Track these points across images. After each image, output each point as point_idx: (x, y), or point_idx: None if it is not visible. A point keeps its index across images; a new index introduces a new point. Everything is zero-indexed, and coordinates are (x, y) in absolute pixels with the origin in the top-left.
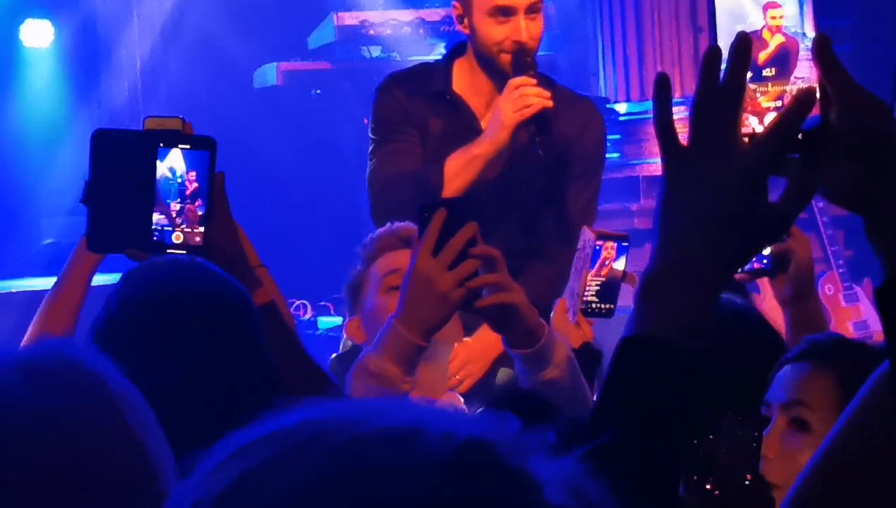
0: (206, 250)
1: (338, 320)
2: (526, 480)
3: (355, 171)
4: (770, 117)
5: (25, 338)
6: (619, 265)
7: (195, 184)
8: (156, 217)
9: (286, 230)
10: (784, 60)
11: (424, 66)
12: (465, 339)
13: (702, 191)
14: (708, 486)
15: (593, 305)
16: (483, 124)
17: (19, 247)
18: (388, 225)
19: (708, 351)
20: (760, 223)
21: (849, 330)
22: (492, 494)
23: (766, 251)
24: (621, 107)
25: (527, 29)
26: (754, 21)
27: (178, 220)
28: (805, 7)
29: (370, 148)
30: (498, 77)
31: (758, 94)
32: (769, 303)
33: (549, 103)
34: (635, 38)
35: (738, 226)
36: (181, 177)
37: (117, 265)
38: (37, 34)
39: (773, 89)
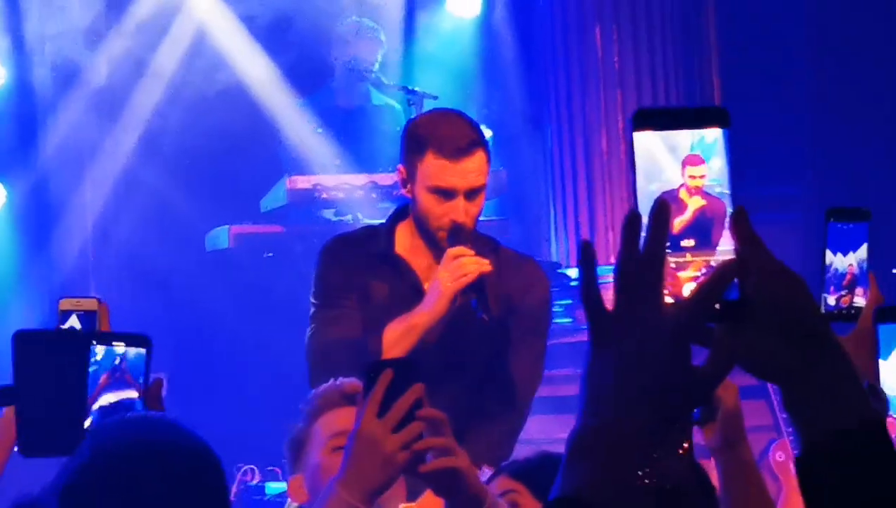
0: None
1: (285, 485)
2: None
3: (304, 334)
4: (689, 289)
5: None
6: None
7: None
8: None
9: (236, 392)
10: (705, 229)
11: (367, 229)
12: (410, 505)
13: (624, 356)
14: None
15: None
16: (425, 284)
17: None
18: (333, 380)
19: None
20: (683, 389)
21: (800, 499)
22: None
23: None
24: (573, 272)
25: (465, 209)
26: (671, 178)
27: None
28: (734, 164)
29: (310, 312)
30: (434, 246)
31: (673, 265)
32: None
33: (488, 268)
34: (586, 204)
35: (660, 391)
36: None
37: None
38: None
39: (693, 260)
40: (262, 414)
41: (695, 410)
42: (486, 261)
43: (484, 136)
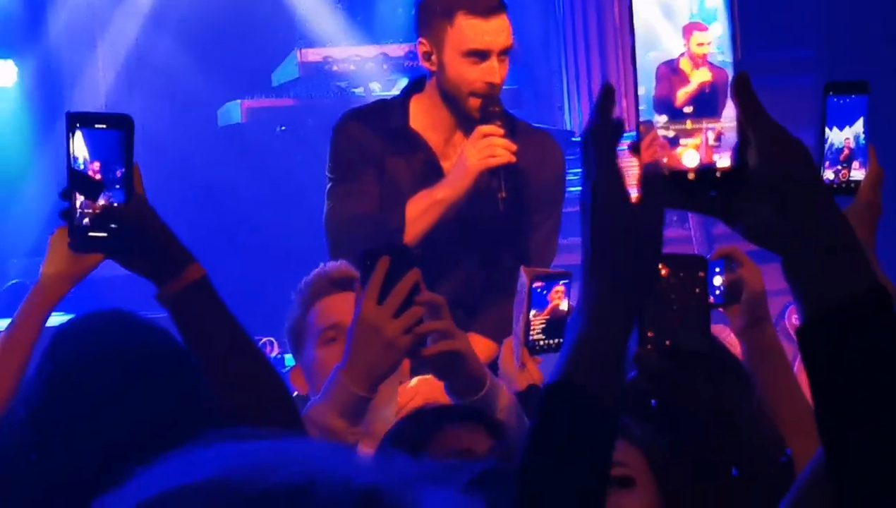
0: (126, 231)
1: None
2: None
3: (319, 207)
4: (689, 156)
5: None
6: (565, 305)
7: (98, 177)
8: (78, 201)
9: (251, 267)
10: (710, 101)
11: (382, 103)
12: (407, 384)
13: (593, 209)
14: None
15: (541, 342)
16: (442, 161)
17: None
18: (321, 266)
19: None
20: (641, 241)
21: None
22: None
23: (718, 282)
24: None
25: (499, 71)
26: (669, 47)
27: (95, 206)
28: (736, 29)
29: (327, 187)
30: (461, 117)
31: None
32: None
33: (514, 159)
34: (599, 71)
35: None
36: (83, 164)
37: (72, 307)
38: (1, 74)
39: (694, 128)
40: (278, 287)
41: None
42: (514, 147)
43: None
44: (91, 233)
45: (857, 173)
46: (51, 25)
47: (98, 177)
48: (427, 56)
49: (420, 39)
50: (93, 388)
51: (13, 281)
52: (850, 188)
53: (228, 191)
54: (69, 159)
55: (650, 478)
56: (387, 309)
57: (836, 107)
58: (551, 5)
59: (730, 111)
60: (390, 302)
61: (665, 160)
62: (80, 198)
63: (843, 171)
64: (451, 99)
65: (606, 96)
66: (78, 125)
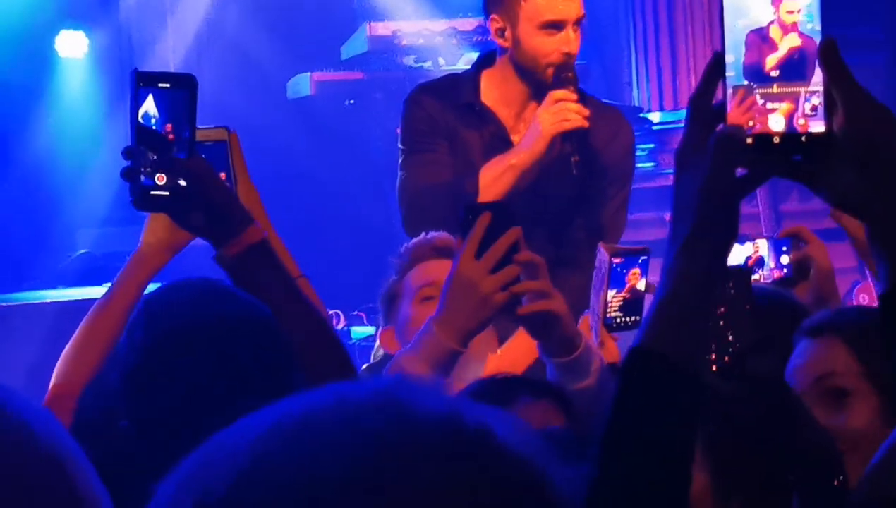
0: (190, 190)
1: (371, 330)
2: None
3: (388, 181)
4: (775, 120)
5: (70, 343)
6: (641, 285)
7: (171, 137)
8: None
9: (319, 240)
10: (799, 67)
11: (452, 77)
12: (510, 345)
13: (685, 179)
14: (716, 357)
15: (618, 320)
16: (513, 135)
17: (53, 257)
18: (423, 235)
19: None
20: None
21: None
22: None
23: (786, 261)
24: (655, 117)
25: (575, 40)
26: (758, 16)
27: (160, 163)
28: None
29: (400, 159)
30: (536, 88)
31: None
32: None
33: (586, 123)
34: (668, 47)
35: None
36: (154, 124)
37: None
38: (72, 45)
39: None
40: (346, 261)
41: (788, 270)
42: (587, 112)
43: None
44: (153, 193)
45: None
46: (121, 1)
47: (171, 136)
48: (500, 32)
49: (492, 16)
50: (186, 358)
51: (82, 251)
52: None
53: (298, 163)
54: (135, 117)
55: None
56: (484, 265)
57: None
58: None
59: (818, 78)
60: (488, 258)
61: (751, 123)
62: (143, 157)
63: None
64: (527, 72)
65: (716, 65)
66: (143, 84)
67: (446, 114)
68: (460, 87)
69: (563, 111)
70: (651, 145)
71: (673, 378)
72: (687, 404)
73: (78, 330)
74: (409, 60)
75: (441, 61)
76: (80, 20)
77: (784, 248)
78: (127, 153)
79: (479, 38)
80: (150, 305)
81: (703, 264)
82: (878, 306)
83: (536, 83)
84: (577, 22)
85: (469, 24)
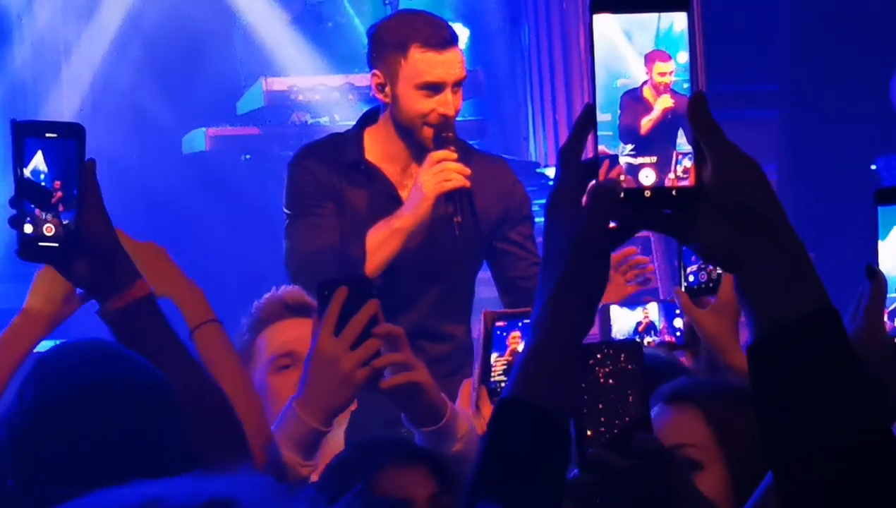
0: (78, 242)
1: None
2: None
3: (283, 234)
4: (645, 174)
5: None
6: (522, 345)
7: (59, 194)
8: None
9: (214, 294)
10: (673, 128)
11: (336, 137)
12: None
13: (551, 239)
14: (605, 431)
15: (502, 384)
16: (401, 191)
17: None
18: (273, 290)
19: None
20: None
21: None
22: None
23: (679, 324)
24: (551, 172)
25: (453, 102)
26: (635, 75)
27: (49, 215)
28: (698, 59)
29: (286, 224)
30: (416, 147)
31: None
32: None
33: (468, 183)
34: (565, 103)
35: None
36: (44, 182)
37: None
38: None
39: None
40: (239, 315)
41: (681, 335)
42: (468, 171)
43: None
44: (42, 243)
45: (719, 271)
46: (15, 51)
47: (57, 189)
48: (381, 88)
49: (374, 71)
50: (75, 422)
51: None
52: (710, 288)
53: (193, 219)
54: (17, 167)
55: (720, 458)
56: (344, 342)
57: None
58: (517, 36)
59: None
60: (347, 334)
61: (622, 179)
62: (31, 208)
63: (703, 270)
64: (406, 130)
65: (586, 117)
66: (29, 135)
67: (331, 175)
68: (344, 147)
69: (444, 171)
70: (545, 200)
71: (539, 427)
72: (553, 453)
73: None
74: (305, 116)
75: (337, 117)
76: None
77: (677, 311)
78: (12, 203)
79: (376, 95)
80: (42, 365)
81: (573, 313)
82: (747, 359)
83: (416, 141)
84: (458, 83)
85: (366, 79)
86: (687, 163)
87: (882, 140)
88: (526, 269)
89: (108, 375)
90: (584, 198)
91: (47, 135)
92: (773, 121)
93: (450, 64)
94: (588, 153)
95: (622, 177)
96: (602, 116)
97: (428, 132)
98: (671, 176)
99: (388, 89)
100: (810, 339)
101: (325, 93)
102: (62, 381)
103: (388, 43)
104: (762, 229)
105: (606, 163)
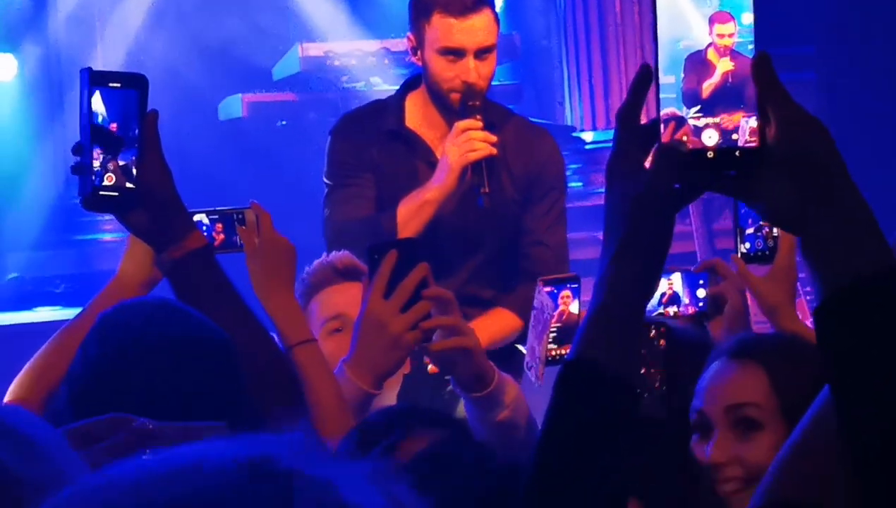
0: (138, 192)
1: None
2: (319, 481)
3: (321, 202)
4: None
5: (33, 360)
6: (574, 308)
7: (117, 136)
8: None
9: None
10: (737, 92)
11: (377, 104)
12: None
13: (616, 195)
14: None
15: (552, 353)
16: (440, 157)
17: None
18: (325, 256)
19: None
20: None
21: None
22: (282, 494)
23: (702, 294)
24: (587, 136)
25: (476, 69)
26: (698, 36)
27: (110, 164)
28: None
29: (325, 193)
30: (448, 113)
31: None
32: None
33: (494, 151)
34: (601, 67)
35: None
36: (103, 122)
37: None
38: (1, 68)
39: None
40: None
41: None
42: (494, 138)
43: None
44: (102, 193)
45: (772, 240)
46: (51, 19)
47: (119, 136)
48: (414, 51)
49: (408, 35)
50: (136, 375)
51: (12, 275)
52: (766, 255)
53: (230, 185)
54: (87, 115)
55: (780, 419)
56: (393, 304)
57: None
58: (553, 1)
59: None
60: (397, 297)
61: (686, 139)
62: (93, 155)
63: (764, 234)
64: (437, 95)
65: (642, 78)
66: (94, 83)
67: (371, 144)
68: (385, 114)
69: (469, 141)
70: (580, 165)
71: (604, 384)
72: (618, 408)
73: (43, 348)
74: (341, 81)
75: (374, 81)
76: (8, 43)
77: (701, 282)
78: (77, 149)
79: (412, 59)
80: (105, 322)
81: (636, 273)
82: (813, 321)
83: (446, 107)
84: (482, 51)
85: (401, 44)
86: (752, 123)
87: None
88: (526, 247)
89: (169, 332)
90: (649, 161)
91: (111, 84)
92: (811, 83)
93: (471, 30)
94: (650, 114)
95: (685, 138)
96: (665, 78)
97: (455, 98)
98: (735, 136)
99: (419, 53)
100: (877, 299)
101: (361, 58)
102: (124, 338)
103: (419, 7)
104: (826, 190)
105: (672, 125)
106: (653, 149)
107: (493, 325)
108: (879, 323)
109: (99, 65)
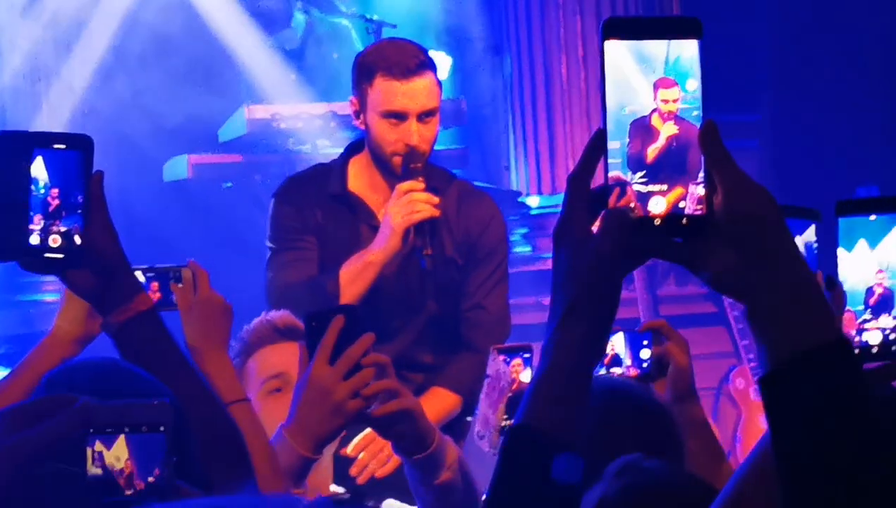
0: (84, 254)
1: None
2: None
3: (265, 266)
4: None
5: None
6: (526, 377)
7: (57, 201)
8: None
9: None
10: (681, 157)
11: (321, 168)
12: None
13: (560, 261)
14: None
15: (506, 423)
16: (382, 221)
17: None
18: (263, 314)
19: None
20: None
21: (759, 424)
22: None
23: (646, 355)
24: (533, 201)
25: (418, 132)
26: (644, 102)
27: (53, 227)
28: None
29: (267, 256)
30: (391, 176)
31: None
32: None
33: (437, 212)
34: (547, 133)
35: (579, 298)
36: (44, 189)
37: None
38: None
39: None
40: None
41: (648, 365)
42: (437, 200)
43: (432, 60)
44: (48, 255)
45: None
46: None
47: (55, 200)
48: (357, 115)
49: (351, 98)
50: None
51: None
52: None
53: (174, 245)
54: (22, 177)
55: None
56: (337, 371)
57: None
58: (499, 65)
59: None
60: (341, 365)
61: (632, 207)
62: (35, 220)
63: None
64: (379, 159)
65: (596, 144)
66: (35, 146)
67: (314, 208)
68: (328, 177)
69: (411, 203)
70: (528, 229)
71: (549, 450)
72: (565, 479)
73: None
74: (288, 143)
75: (320, 144)
76: None
77: (644, 342)
78: (15, 213)
79: (355, 122)
80: (51, 382)
81: (583, 336)
82: (759, 389)
83: (389, 171)
84: (424, 114)
85: (348, 107)
86: (699, 190)
87: (862, 170)
88: (466, 311)
89: (115, 392)
90: (596, 225)
91: (55, 146)
92: (755, 151)
93: (413, 93)
94: (597, 180)
95: (632, 205)
96: (611, 144)
97: (397, 162)
98: (682, 204)
99: (362, 116)
100: (822, 370)
101: (307, 120)
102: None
103: (362, 70)
104: (772, 259)
105: (617, 190)
106: (600, 215)
107: (432, 407)
108: (825, 394)
109: (44, 123)
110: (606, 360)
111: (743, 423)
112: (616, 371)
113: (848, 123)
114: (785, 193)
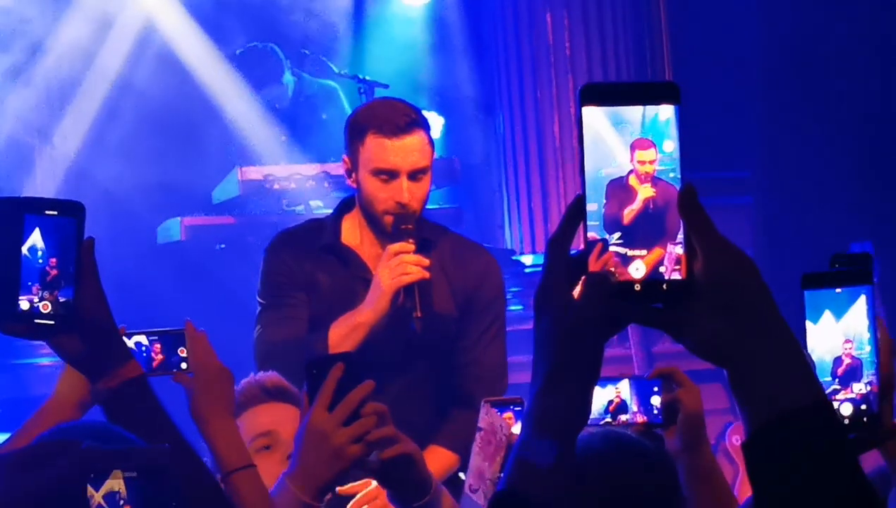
0: (76, 321)
1: None
2: None
3: (254, 320)
4: (636, 267)
5: None
6: (517, 430)
7: (55, 272)
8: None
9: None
10: (658, 218)
11: (313, 222)
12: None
13: (541, 329)
14: None
15: (499, 476)
16: (374, 274)
17: None
18: (251, 375)
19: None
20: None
21: None
22: None
23: (656, 402)
24: (527, 259)
25: (409, 190)
26: (621, 163)
27: (45, 293)
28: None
29: (257, 311)
30: (382, 235)
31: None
32: None
33: (427, 275)
34: (540, 191)
35: (562, 367)
36: (41, 259)
37: None
38: None
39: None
40: None
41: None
42: (427, 262)
43: (424, 118)
44: (38, 321)
45: None
46: None
47: (54, 270)
48: (349, 173)
49: (344, 157)
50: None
51: None
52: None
53: (168, 308)
54: (15, 244)
55: None
56: (337, 417)
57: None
58: (492, 124)
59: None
60: (340, 411)
61: (613, 271)
62: (34, 290)
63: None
64: (370, 217)
65: (575, 209)
66: (28, 211)
67: (305, 262)
68: (321, 231)
69: (401, 265)
70: (520, 288)
71: None
72: None
73: None
74: (281, 204)
75: (313, 204)
76: None
77: (655, 389)
78: (7, 279)
79: (347, 181)
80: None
81: (564, 402)
82: (742, 454)
83: (380, 229)
84: (415, 172)
85: (340, 167)
86: (677, 250)
87: (855, 226)
88: (461, 367)
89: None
90: (577, 291)
91: (47, 212)
92: (747, 207)
93: (404, 151)
94: (578, 245)
95: (613, 269)
96: (589, 206)
97: (388, 220)
98: (662, 268)
99: (353, 175)
100: (805, 433)
101: (300, 181)
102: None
103: (353, 129)
104: (753, 323)
105: (599, 246)
106: (581, 280)
107: (430, 466)
108: (805, 456)
109: (37, 186)
110: (612, 408)
111: (740, 480)
112: (623, 418)
113: (839, 179)
114: (777, 250)
